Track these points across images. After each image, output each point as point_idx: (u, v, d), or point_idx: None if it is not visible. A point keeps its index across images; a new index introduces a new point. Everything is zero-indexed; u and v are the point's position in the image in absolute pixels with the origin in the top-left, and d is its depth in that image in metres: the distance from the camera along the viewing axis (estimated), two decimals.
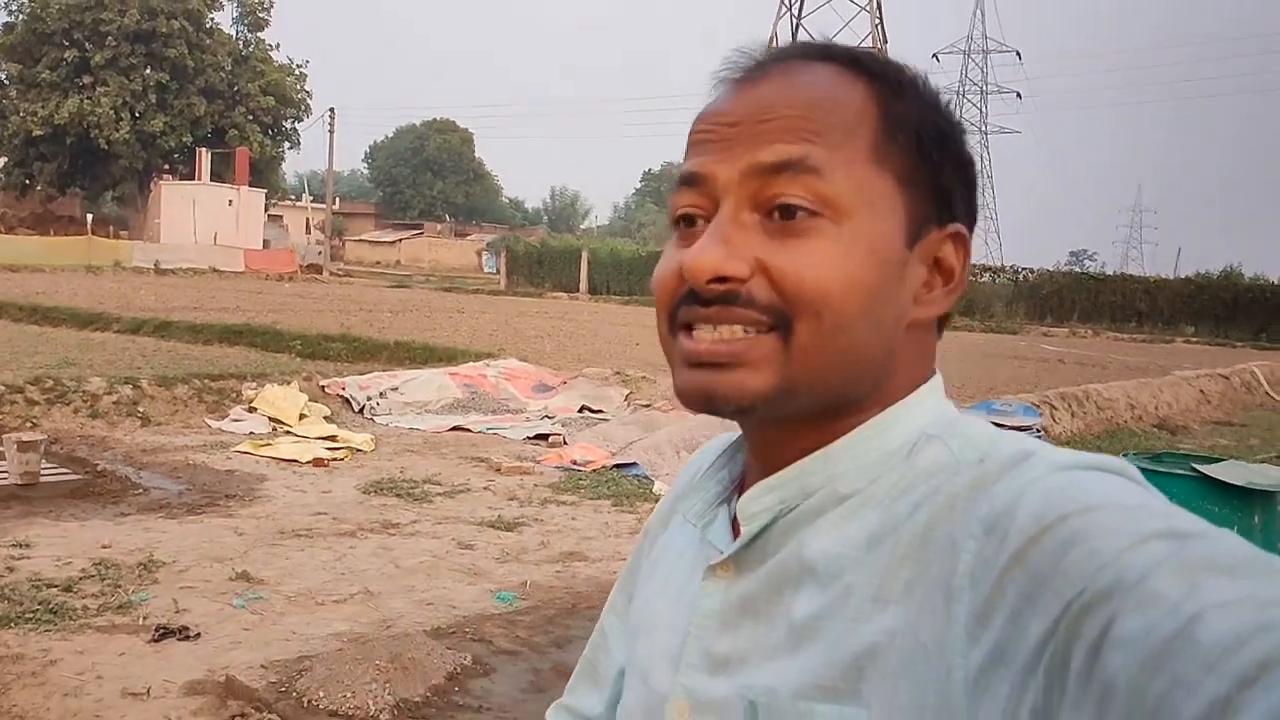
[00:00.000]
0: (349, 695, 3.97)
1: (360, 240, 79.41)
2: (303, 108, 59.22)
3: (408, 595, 5.57)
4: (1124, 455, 5.44)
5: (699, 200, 0.76)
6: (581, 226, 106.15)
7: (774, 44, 0.79)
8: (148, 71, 52.26)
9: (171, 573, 5.68)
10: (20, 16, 52.35)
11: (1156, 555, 0.55)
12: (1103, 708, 0.52)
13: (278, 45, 62.64)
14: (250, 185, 54.85)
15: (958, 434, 0.74)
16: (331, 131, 50.24)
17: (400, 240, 78.64)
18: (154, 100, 52.74)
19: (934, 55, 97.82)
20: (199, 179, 53.04)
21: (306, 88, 59.56)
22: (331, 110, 50.27)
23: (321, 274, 47.05)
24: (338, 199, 73.32)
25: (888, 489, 0.73)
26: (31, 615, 4.90)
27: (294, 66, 59.47)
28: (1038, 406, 11.58)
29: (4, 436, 7.50)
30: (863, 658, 0.68)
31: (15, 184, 53.16)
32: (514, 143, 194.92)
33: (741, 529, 0.78)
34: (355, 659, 4.18)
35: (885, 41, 41.25)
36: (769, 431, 0.78)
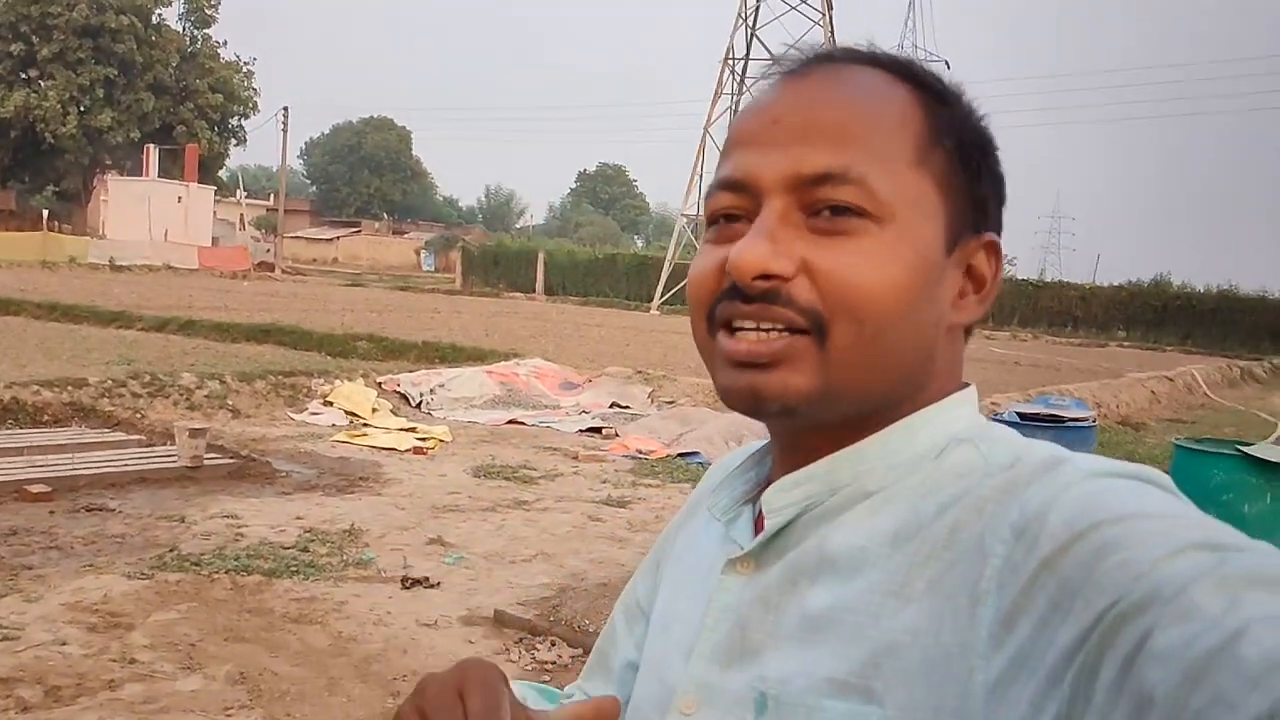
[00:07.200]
0: None
1: (297, 237, 79.15)
2: (250, 105, 59.35)
3: (577, 556, 6.66)
4: (1174, 440, 6.75)
5: (740, 201, 0.76)
6: (517, 225, 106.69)
7: (792, 48, 0.81)
8: (95, 66, 52.02)
9: (373, 538, 6.70)
10: None
11: (1196, 567, 0.54)
12: None
13: (225, 42, 62.28)
14: (197, 182, 54.86)
15: (989, 438, 0.75)
16: (285, 130, 50.56)
17: (338, 238, 78.68)
18: (101, 95, 52.57)
19: None
20: (146, 175, 52.86)
21: (254, 85, 59.76)
22: (285, 109, 50.58)
23: (274, 271, 47.34)
24: (272, 195, 73.21)
25: (914, 487, 0.74)
26: (294, 569, 5.90)
27: (241, 64, 59.61)
28: (1084, 400, 13.03)
29: (176, 424, 8.40)
30: (881, 654, 0.67)
31: None
32: (450, 141, 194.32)
33: (766, 523, 0.78)
34: (603, 596, 5.28)
35: None
36: (803, 431, 0.78)
